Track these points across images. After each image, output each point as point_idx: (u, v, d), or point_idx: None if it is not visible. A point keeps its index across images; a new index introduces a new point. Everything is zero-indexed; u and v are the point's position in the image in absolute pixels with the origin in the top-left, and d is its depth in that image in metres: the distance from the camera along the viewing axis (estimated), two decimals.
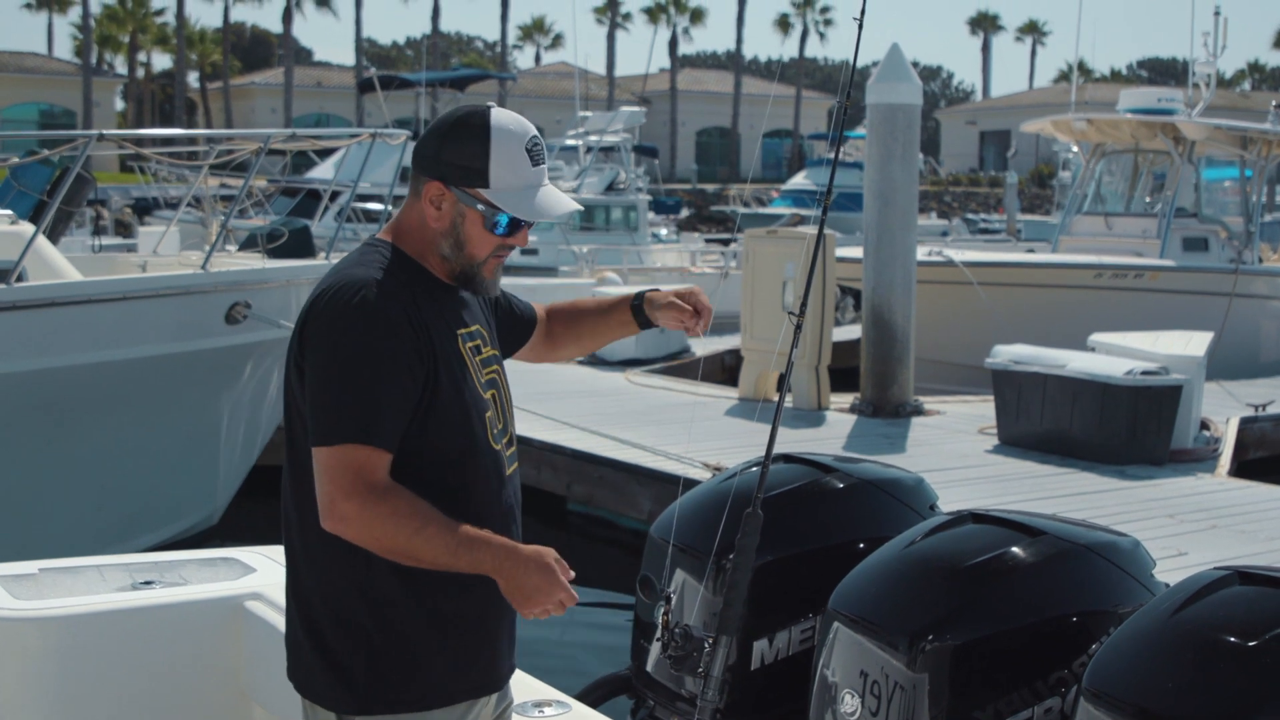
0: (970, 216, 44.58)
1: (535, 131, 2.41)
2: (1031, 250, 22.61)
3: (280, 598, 2.65)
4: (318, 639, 2.35)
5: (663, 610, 2.73)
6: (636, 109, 29.77)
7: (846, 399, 11.14)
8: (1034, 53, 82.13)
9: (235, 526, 9.15)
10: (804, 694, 3.55)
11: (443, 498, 2.29)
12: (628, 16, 71.12)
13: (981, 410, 10.87)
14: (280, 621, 2.77)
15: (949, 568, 3.37)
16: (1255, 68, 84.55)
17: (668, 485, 8.37)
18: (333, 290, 2.31)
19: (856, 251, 12.32)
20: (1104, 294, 13.97)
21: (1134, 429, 9.05)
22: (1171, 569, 5.70)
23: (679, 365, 13.95)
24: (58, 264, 8.65)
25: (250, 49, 76.11)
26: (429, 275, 2.41)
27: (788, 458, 4.17)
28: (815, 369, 10.92)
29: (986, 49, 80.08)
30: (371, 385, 2.24)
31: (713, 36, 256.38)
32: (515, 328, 2.74)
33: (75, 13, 61.79)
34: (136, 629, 3.34)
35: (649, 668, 4.04)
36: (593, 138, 26.51)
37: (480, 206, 2.35)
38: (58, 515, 8.07)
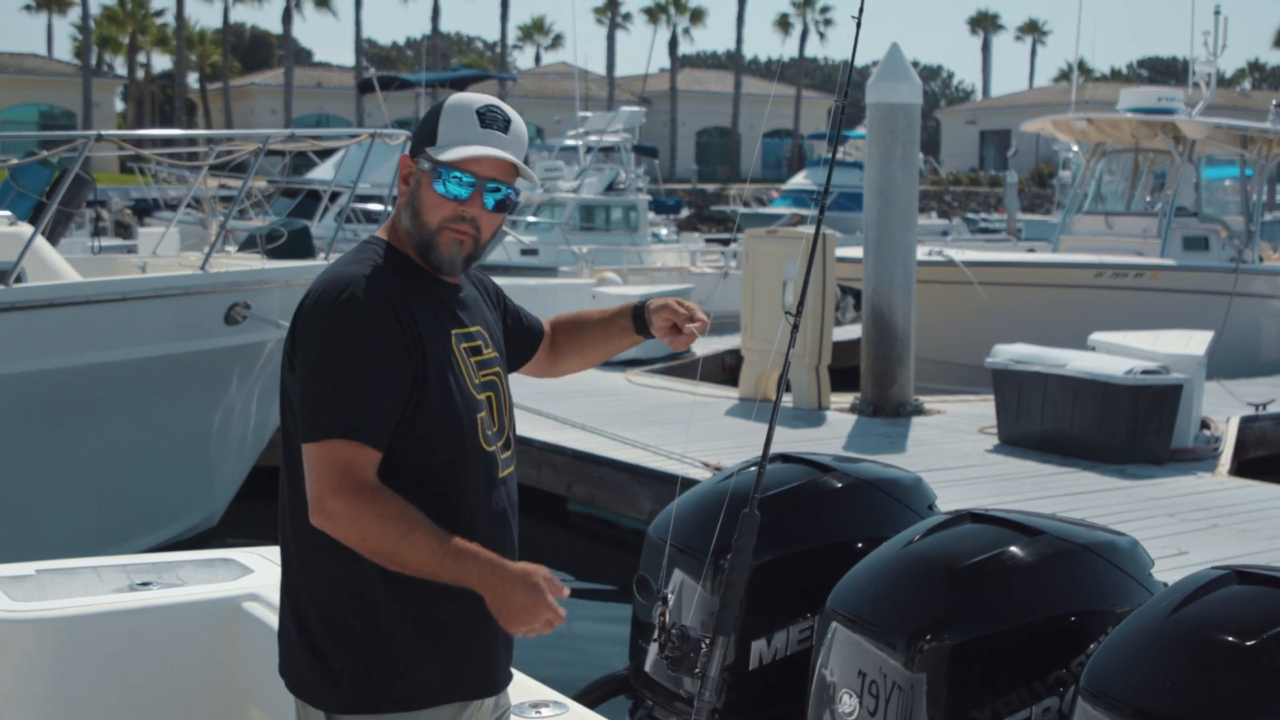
0: (970, 216, 44.58)
1: (498, 104, 2.41)
2: (1032, 250, 22.60)
3: (277, 598, 2.65)
4: (308, 637, 2.35)
5: (660, 610, 2.72)
6: (636, 109, 29.77)
7: (847, 399, 11.13)
8: (1034, 52, 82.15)
9: (235, 527, 9.15)
10: (802, 694, 3.55)
11: (428, 497, 2.28)
12: (628, 17, 71.18)
13: (982, 410, 10.87)
14: (277, 622, 2.77)
15: (947, 567, 3.37)
16: (1255, 67, 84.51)
17: (668, 485, 8.36)
18: (321, 288, 2.32)
19: (857, 251, 12.31)
20: (1104, 293, 13.96)
21: (1134, 428, 9.04)
22: (1171, 568, 5.70)
23: (679, 365, 13.94)
24: (57, 265, 8.65)
25: (250, 50, 76.13)
26: (424, 272, 2.41)
27: (786, 457, 4.17)
28: (815, 369, 10.91)
29: (986, 48, 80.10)
30: (358, 382, 2.24)
31: (713, 36, 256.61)
32: (523, 340, 2.74)
33: (75, 14, 61.90)
34: (134, 630, 3.33)
35: (647, 668, 4.04)
36: (593, 138, 26.51)
37: (426, 165, 2.37)
38: (58, 517, 8.07)
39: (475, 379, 2.41)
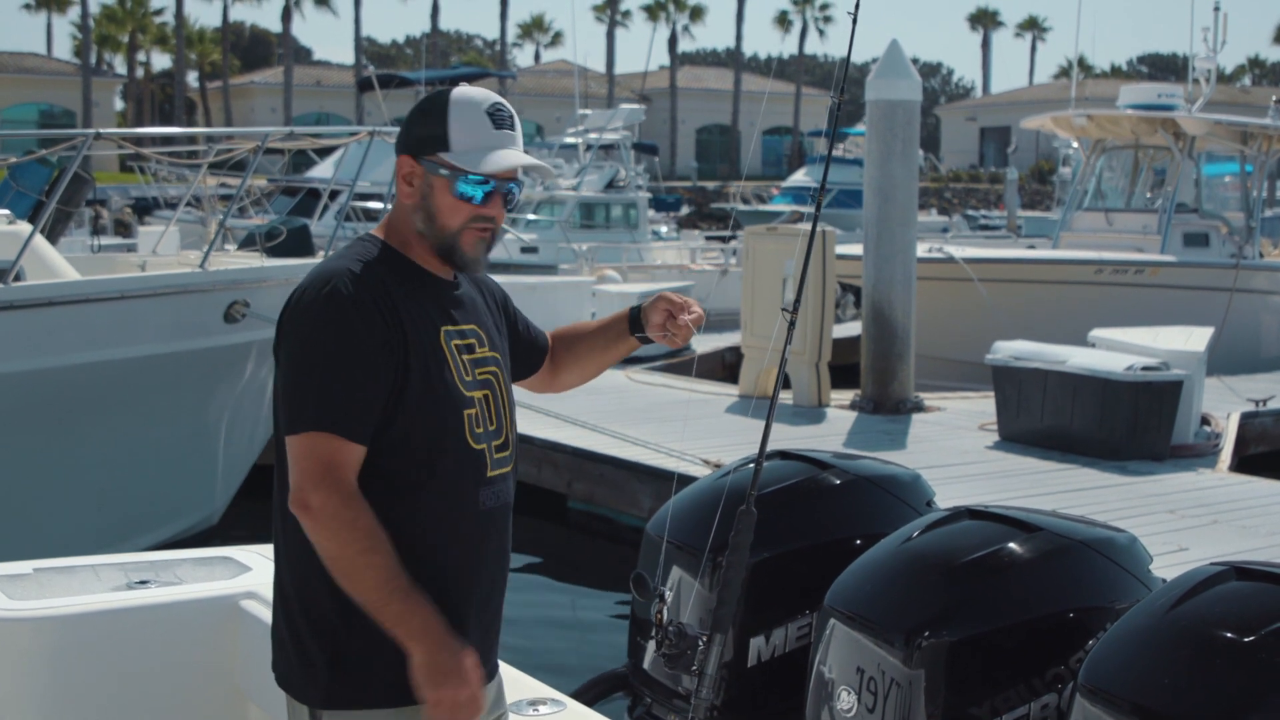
0: (970, 213, 44.57)
1: (501, 101, 2.41)
2: (1032, 246, 22.61)
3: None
4: (294, 632, 2.36)
5: (657, 608, 2.72)
6: (636, 106, 29.76)
7: (847, 396, 11.14)
8: (1034, 49, 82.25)
9: (235, 526, 9.14)
10: (801, 691, 3.55)
11: (409, 492, 2.29)
12: (627, 14, 71.16)
13: (982, 406, 10.87)
14: None
15: (945, 564, 3.37)
16: (1255, 63, 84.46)
17: (668, 483, 8.31)
18: (306, 283, 2.33)
19: (857, 248, 12.31)
20: (1104, 290, 13.95)
21: (1135, 425, 9.04)
22: (1172, 564, 5.70)
23: (680, 363, 13.94)
24: (56, 263, 8.64)
25: (249, 48, 76.13)
26: (415, 268, 2.40)
27: (784, 454, 4.16)
28: (816, 366, 10.91)
29: (986, 45, 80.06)
30: (337, 375, 2.24)
31: (712, 34, 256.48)
32: (530, 351, 2.72)
33: (74, 13, 61.93)
34: (131, 628, 3.33)
35: (645, 665, 4.03)
36: (593, 135, 26.50)
37: (444, 171, 2.35)
38: (58, 516, 8.06)
39: (467, 376, 2.39)
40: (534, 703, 3.04)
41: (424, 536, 2.32)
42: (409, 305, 2.33)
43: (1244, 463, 9.92)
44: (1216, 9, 15.75)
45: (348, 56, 67.90)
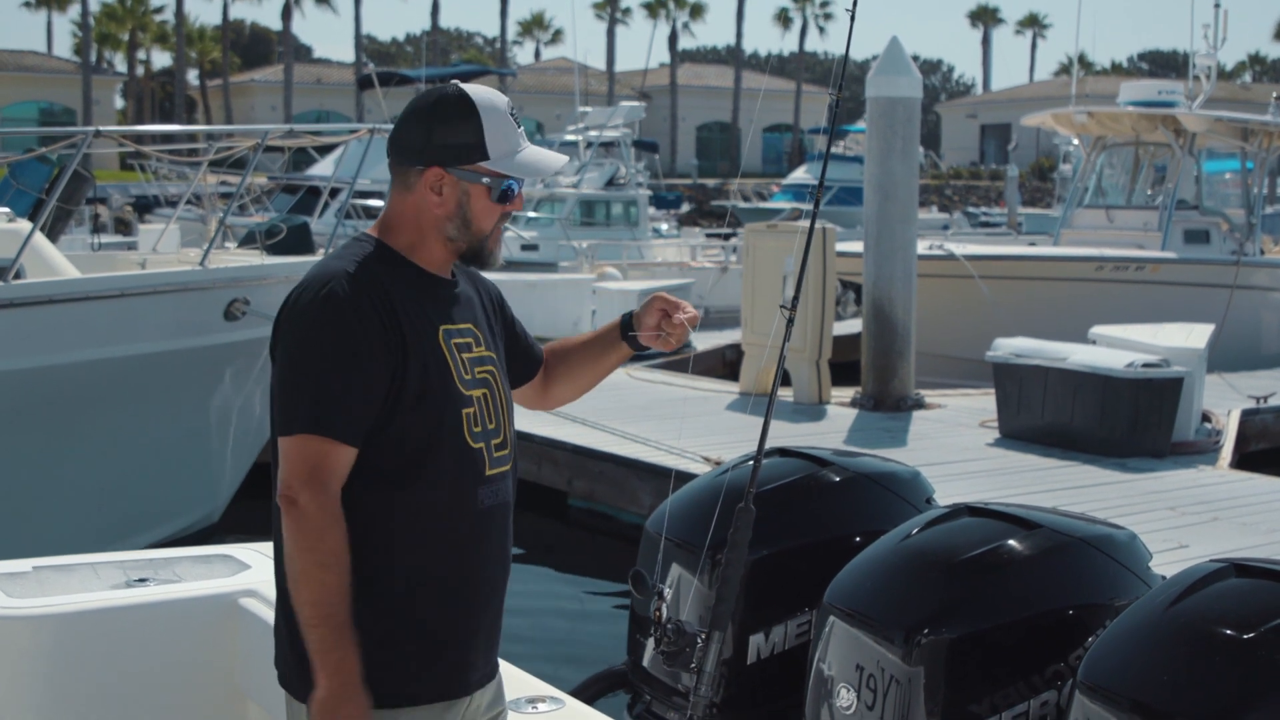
0: (971, 210, 44.56)
1: (506, 98, 2.44)
2: (1033, 243, 22.60)
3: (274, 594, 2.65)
4: (292, 631, 2.35)
5: (656, 605, 2.71)
6: (636, 104, 29.71)
7: (848, 393, 11.13)
8: (1034, 46, 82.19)
9: (236, 524, 9.14)
10: (800, 688, 3.55)
11: (408, 491, 2.28)
12: (627, 11, 71.06)
13: (982, 404, 10.86)
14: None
15: (944, 561, 3.36)
16: (1256, 60, 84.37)
17: (668, 480, 8.35)
18: (303, 284, 2.33)
19: (857, 245, 12.30)
20: (1105, 287, 13.94)
21: (1135, 422, 9.03)
22: (1172, 561, 5.69)
23: (679, 360, 13.93)
24: (56, 261, 8.65)
25: (250, 46, 76.09)
26: (414, 268, 2.40)
27: (784, 451, 4.17)
28: (816, 363, 10.91)
29: (987, 42, 79.99)
30: (333, 376, 2.24)
31: (713, 31, 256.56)
32: (524, 359, 2.70)
33: (75, 11, 61.88)
34: (131, 627, 3.32)
35: (645, 663, 4.03)
36: (593, 133, 26.47)
37: (486, 180, 2.36)
38: (59, 514, 8.06)
39: (465, 375, 2.39)
40: (533, 700, 3.04)
41: (423, 535, 2.31)
42: (407, 306, 2.33)
43: (1244, 460, 9.91)
44: (1217, 6, 15.75)
45: (348, 54, 67.99)
